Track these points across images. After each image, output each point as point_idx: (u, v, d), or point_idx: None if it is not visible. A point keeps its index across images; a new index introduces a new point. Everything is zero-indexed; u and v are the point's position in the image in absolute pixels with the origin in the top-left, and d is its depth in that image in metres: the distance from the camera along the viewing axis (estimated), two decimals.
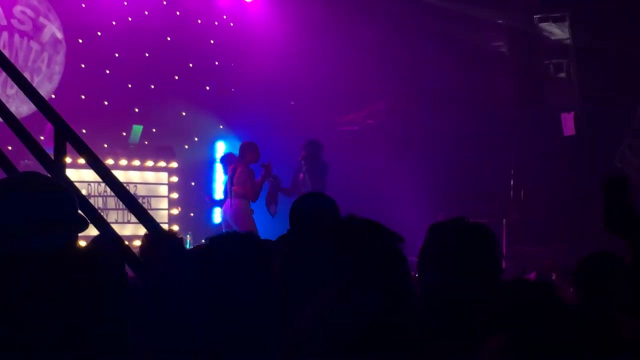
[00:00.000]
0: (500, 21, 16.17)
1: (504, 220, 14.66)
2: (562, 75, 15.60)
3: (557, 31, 15.49)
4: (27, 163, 11.58)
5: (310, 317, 2.15)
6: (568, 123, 15.03)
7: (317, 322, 2.15)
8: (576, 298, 4.86)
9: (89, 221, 2.97)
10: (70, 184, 6.39)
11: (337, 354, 2.12)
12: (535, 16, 15.68)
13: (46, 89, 14.19)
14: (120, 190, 6.61)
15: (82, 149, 6.55)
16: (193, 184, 15.95)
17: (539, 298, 2.87)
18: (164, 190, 15.27)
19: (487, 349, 2.30)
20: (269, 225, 13.14)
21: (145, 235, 6.27)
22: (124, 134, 15.16)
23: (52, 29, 14.66)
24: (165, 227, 13.54)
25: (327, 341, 2.11)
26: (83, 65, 14.90)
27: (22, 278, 2.59)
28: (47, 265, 2.61)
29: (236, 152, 13.88)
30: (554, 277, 12.77)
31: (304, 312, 2.18)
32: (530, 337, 2.24)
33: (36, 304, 2.57)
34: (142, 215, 6.38)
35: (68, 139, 6.52)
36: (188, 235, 14.28)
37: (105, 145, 14.54)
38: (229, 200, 13.49)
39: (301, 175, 13.75)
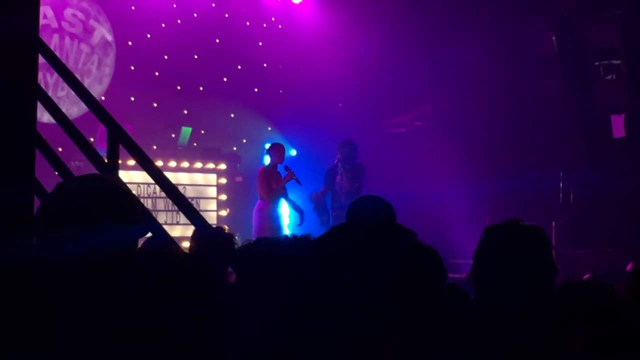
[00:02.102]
0: (548, 22, 16.05)
1: (553, 223, 14.56)
2: (612, 76, 15.46)
3: (607, 32, 15.35)
4: (78, 164, 11.68)
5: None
6: (618, 125, 14.90)
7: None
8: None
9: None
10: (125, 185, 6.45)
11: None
12: (584, 16, 15.56)
13: (96, 91, 14.31)
14: (171, 191, 6.65)
15: (135, 151, 6.59)
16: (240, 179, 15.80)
17: (599, 300, 2.86)
18: (212, 191, 15.32)
19: (572, 350, 2.30)
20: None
21: (194, 234, 6.29)
22: (173, 135, 15.25)
23: (102, 32, 14.79)
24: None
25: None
26: (132, 68, 15.02)
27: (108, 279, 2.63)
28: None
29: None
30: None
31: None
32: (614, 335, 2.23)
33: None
34: (194, 216, 6.42)
35: (121, 141, 6.57)
36: (237, 237, 14.30)
37: (155, 147, 14.62)
38: None
39: (338, 177, 13.67)
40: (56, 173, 6.63)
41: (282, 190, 13.25)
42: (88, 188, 2.82)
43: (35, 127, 5.80)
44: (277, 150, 13.38)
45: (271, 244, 3.21)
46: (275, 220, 13.30)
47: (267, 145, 13.76)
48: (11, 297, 2.71)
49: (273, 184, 13.14)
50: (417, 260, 2.78)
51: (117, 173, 6.66)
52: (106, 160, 6.66)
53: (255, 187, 13.33)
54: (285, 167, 13.36)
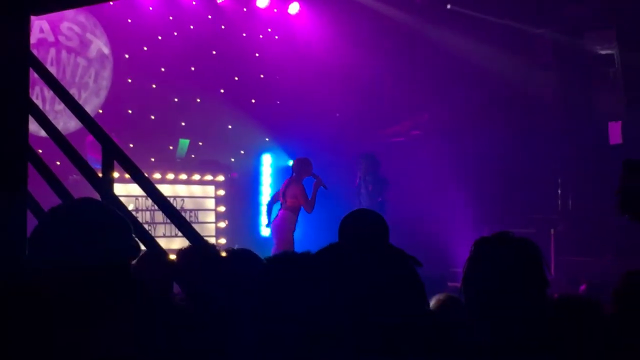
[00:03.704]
0: (546, 30, 16.07)
1: (552, 231, 14.57)
2: (609, 83, 15.47)
3: (603, 40, 15.37)
4: (75, 178, 11.67)
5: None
6: (615, 132, 14.90)
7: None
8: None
9: (140, 247, 3.03)
10: (117, 201, 6.46)
11: None
12: (581, 24, 15.58)
13: (93, 104, 14.33)
14: (164, 204, 6.66)
15: (129, 166, 6.60)
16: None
17: (584, 317, 2.86)
18: (210, 203, 15.32)
19: None
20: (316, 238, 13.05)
21: (179, 251, 6.32)
22: (171, 147, 15.24)
23: (99, 45, 14.80)
24: (212, 240, 13.64)
25: None
26: (130, 80, 15.01)
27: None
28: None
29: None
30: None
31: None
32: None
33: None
34: (186, 228, 6.43)
35: (115, 157, 6.58)
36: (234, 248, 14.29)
37: (152, 160, 14.63)
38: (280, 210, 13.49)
39: (363, 190, 13.71)
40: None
41: (314, 199, 13.35)
42: (80, 211, 2.84)
43: (27, 141, 5.80)
44: (307, 165, 13.43)
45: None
46: (293, 232, 13.32)
47: (291, 161, 13.84)
48: (4, 312, 2.72)
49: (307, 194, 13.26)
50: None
51: (112, 187, 6.66)
52: (100, 175, 6.66)
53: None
54: (313, 175, 13.39)
